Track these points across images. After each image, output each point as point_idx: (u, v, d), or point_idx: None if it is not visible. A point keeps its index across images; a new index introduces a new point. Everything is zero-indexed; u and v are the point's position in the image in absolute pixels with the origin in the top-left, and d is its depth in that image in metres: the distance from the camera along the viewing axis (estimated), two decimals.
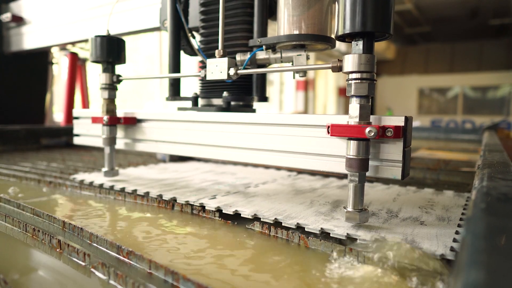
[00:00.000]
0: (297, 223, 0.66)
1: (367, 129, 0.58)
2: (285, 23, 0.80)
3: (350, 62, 0.59)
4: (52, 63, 2.70)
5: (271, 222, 0.69)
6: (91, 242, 0.63)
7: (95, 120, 1.08)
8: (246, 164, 1.38)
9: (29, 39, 2.09)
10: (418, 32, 9.50)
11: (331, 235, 0.62)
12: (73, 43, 2.06)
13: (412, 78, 10.28)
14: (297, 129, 0.73)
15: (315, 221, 0.67)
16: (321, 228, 0.63)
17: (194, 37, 1.13)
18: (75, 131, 1.21)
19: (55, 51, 2.74)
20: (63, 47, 2.48)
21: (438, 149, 2.35)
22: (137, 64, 5.99)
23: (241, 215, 0.74)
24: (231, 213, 0.75)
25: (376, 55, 0.61)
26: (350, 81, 0.60)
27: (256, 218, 0.71)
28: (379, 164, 0.63)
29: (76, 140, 1.21)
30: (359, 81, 0.59)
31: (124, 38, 1.07)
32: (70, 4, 1.85)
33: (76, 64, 2.64)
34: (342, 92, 9.11)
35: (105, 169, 1.07)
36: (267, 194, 0.90)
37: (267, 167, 1.33)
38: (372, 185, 1.04)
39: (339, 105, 9.19)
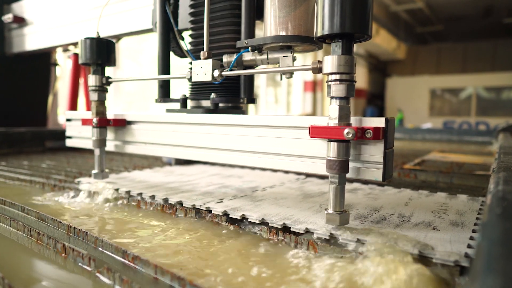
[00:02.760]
0: (306, 228, 0.66)
1: (345, 131, 0.59)
2: (271, 24, 0.81)
3: (329, 64, 0.61)
4: (55, 64, 2.72)
5: (279, 227, 0.69)
6: (96, 247, 0.63)
7: (85, 122, 1.10)
8: (253, 168, 1.38)
9: (31, 40, 2.11)
10: (430, 31, 9.45)
11: (340, 240, 0.62)
12: (75, 44, 2.08)
13: (423, 79, 10.21)
14: (280, 131, 0.75)
15: (325, 226, 0.67)
16: (331, 233, 0.63)
17: (183, 39, 1.14)
18: (67, 133, 1.23)
19: (57, 52, 2.77)
20: (65, 48, 2.50)
21: (451, 151, 2.33)
22: (142, 66, 6.03)
23: (249, 220, 0.74)
24: (238, 217, 0.75)
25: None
26: (329, 83, 0.62)
27: (263, 223, 0.71)
28: (360, 166, 0.65)
29: (68, 142, 1.23)
30: (338, 82, 0.61)
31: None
32: (72, 5, 1.87)
33: (80, 66, 2.66)
34: None
35: (95, 171, 1.08)
36: (274, 198, 0.90)
37: (274, 170, 1.33)
38: (383, 189, 1.04)
39: None
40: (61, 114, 3.61)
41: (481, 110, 9.65)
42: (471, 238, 0.61)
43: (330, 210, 0.64)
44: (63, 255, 0.61)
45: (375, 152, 0.63)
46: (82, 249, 0.63)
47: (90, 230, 0.68)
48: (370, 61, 9.58)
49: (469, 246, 0.57)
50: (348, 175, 0.64)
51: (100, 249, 0.62)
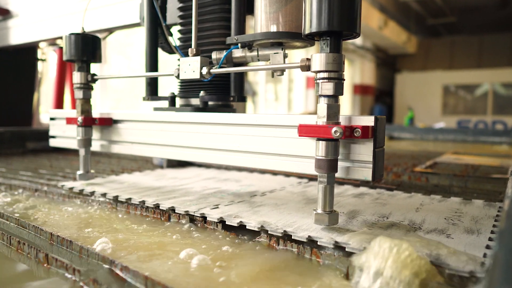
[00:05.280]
0: (309, 236, 0.66)
1: (333, 129, 0.63)
2: (262, 20, 0.84)
3: (318, 61, 0.64)
4: (41, 60, 2.72)
5: (280, 235, 0.69)
6: (82, 256, 0.63)
7: (69, 121, 1.12)
8: (252, 170, 1.38)
9: (16, 33, 2.12)
10: (442, 23, 9.46)
11: (346, 249, 0.62)
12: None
13: (436, 74, 10.23)
14: (270, 130, 0.78)
15: (329, 234, 0.67)
16: (336, 242, 0.63)
17: (171, 35, 1.17)
18: (51, 133, 1.25)
19: (44, 47, 2.77)
20: (52, 42, 2.50)
21: (465, 153, 2.33)
22: (132, 61, 6.03)
23: (247, 227, 0.74)
24: (236, 224, 0.75)
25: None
26: (318, 81, 0.65)
27: (263, 230, 0.71)
28: (350, 165, 0.69)
29: (52, 142, 1.25)
30: (326, 80, 0.64)
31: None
32: None
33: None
34: (358, 89, 9.09)
35: (80, 172, 1.11)
36: (275, 204, 0.90)
37: (274, 173, 1.33)
38: (392, 193, 1.04)
39: (354, 104, 9.18)
40: (44, 112, 3.61)
41: (498, 108, 9.67)
42: (488, 247, 0.61)
43: (319, 210, 0.68)
44: (45, 265, 0.61)
45: (364, 151, 0.66)
46: (66, 258, 0.63)
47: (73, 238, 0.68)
48: (378, 55, 9.60)
49: (485, 255, 0.57)
50: (337, 175, 0.68)
51: (85, 258, 0.62)
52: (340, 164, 0.69)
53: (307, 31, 0.64)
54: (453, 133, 3.91)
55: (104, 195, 0.98)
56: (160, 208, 0.87)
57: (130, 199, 0.93)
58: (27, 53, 2.44)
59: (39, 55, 2.67)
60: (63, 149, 2.04)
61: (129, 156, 1.86)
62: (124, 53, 6.04)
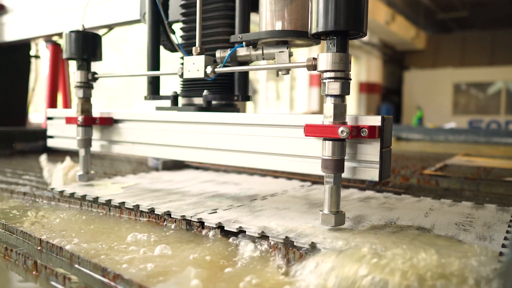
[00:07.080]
0: (312, 242, 0.66)
1: (340, 129, 0.65)
2: (266, 18, 0.86)
3: (324, 61, 0.67)
4: (36, 56, 2.72)
5: (281, 241, 0.69)
6: (72, 264, 0.63)
7: (69, 120, 1.13)
8: (252, 173, 1.38)
9: (10, 29, 2.12)
10: (453, 18, 9.47)
11: None
12: (59, 35, 2.08)
13: (446, 72, 10.22)
14: (276, 130, 0.80)
15: (333, 240, 0.67)
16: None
17: (174, 32, 1.18)
18: (49, 133, 1.26)
19: (38, 42, 2.76)
20: (48, 38, 2.50)
21: (477, 155, 2.33)
22: (127, 58, 6.04)
23: (246, 233, 0.74)
24: (235, 230, 0.75)
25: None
26: (324, 80, 0.67)
27: (263, 236, 0.71)
28: (356, 165, 0.71)
29: (50, 143, 1.27)
30: (333, 80, 0.66)
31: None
32: None
33: (59, 57, 2.63)
34: (364, 88, 9.09)
35: (79, 172, 1.12)
36: (276, 208, 0.90)
37: (276, 176, 1.33)
38: (400, 197, 1.04)
39: (360, 103, 9.18)
40: (33, 111, 3.60)
41: None
42: (501, 254, 0.61)
43: (326, 211, 0.70)
44: (34, 273, 0.61)
45: (371, 151, 0.69)
46: (56, 266, 0.63)
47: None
48: (386, 52, 9.60)
49: (498, 262, 0.57)
50: (343, 175, 0.70)
51: (76, 266, 0.62)
52: (347, 164, 0.70)
53: (313, 31, 0.66)
54: (464, 134, 3.92)
55: (96, 199, 0.98)
56: (155, 212, 0.87)
57: (123, 203, 0.93)
58: (21, 50, 2.45)
59: (34, 52, 2.67)
60: (53, 150, 2.04)
61: (123, 157, 1.86)
62: (119, 50, 6.04)
